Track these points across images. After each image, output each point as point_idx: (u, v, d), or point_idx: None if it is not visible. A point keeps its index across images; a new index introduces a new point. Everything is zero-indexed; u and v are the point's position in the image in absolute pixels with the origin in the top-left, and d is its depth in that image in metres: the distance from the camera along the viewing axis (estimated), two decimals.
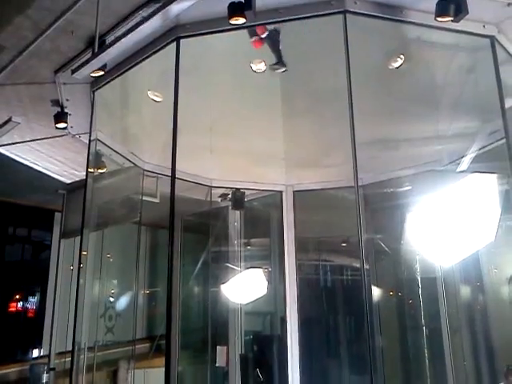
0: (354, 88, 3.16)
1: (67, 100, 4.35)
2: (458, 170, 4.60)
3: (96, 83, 4.14)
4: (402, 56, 3.71)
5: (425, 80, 4.09)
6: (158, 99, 4.29)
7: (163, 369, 3.44)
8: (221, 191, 6.35)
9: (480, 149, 4.54)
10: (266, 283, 6.14)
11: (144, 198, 5.49)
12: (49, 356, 7.29)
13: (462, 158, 4.57)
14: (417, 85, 4.13)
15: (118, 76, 3.91)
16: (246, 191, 6.30)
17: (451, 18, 2.87)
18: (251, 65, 3.82)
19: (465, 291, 6.13)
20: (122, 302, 7.02)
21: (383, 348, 6.18)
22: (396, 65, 3.76)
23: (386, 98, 4.37)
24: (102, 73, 3.77)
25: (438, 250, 3.75)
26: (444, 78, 4.04)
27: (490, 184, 3.64)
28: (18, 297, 8.65)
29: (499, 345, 5.89)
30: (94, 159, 4.59)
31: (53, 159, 5.60)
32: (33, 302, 8.84)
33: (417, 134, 4.80)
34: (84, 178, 4.44)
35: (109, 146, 4.81)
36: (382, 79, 4.12)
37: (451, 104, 4.29)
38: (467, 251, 3.74)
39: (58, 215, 7.74)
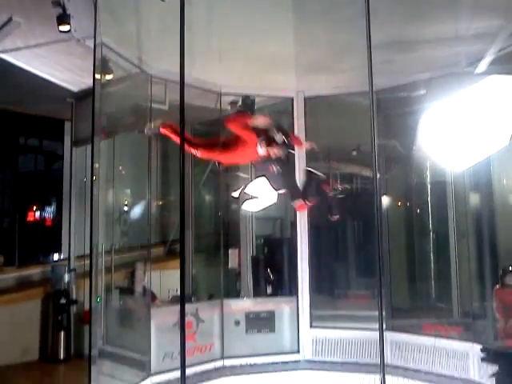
0: None
1: (68, 0, 4.17)
2: (476, 72, 4.45)
3: None
4: None
5: None
6: None
7: (178, 270, 3.61)
8: (230, 98, 6.23)
9: (500, 50, 4.35)
10: (276, 192, 6.23)
11: (153, 105, 5.41)
12: (68, 258, 7.68)
13: (481, 60, 4.40)
14: None
15: None
16: (256, 98, 6.17)
17: None
18: None
19: (474, 197, 6.18)
20: (136, 209, 7.22)
21: (390, 252, 6.36)
22: None
23: None
24: None
25: (450, 154, 3.74)
26: None
27: (508, 86, 3.54)
28: (35, 207, 8.93)
29: (503, 250, 6.06)
30: (101, 65, 4.49)
31: (59, 66, 5.49)
32: (49, 211, 9.13)
33: (435, 35, 4.59)
34: (91, 86, 4.38)
35: (114, 51, 4.67)
36: None
37: (473, 1, 4.05)
38: (481, 155, 3.73)
39: (67, 125, 7.75)
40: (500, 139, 3.59)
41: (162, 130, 4.20)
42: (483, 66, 4.39)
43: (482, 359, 3.22)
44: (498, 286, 5.53)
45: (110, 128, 4.96)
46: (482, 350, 3.22)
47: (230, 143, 4.03)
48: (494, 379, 3.69)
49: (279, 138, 3.79)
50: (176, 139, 3.99)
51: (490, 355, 3.15)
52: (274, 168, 4.01)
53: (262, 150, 3.83)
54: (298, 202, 4.27)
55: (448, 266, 6.29)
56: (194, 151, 4.14)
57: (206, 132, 6.74)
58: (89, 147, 4.58)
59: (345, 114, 6.26)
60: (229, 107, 6.34)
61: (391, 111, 6.03)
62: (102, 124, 4.53)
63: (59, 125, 8.00)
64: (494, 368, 3.22)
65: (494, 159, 5.65)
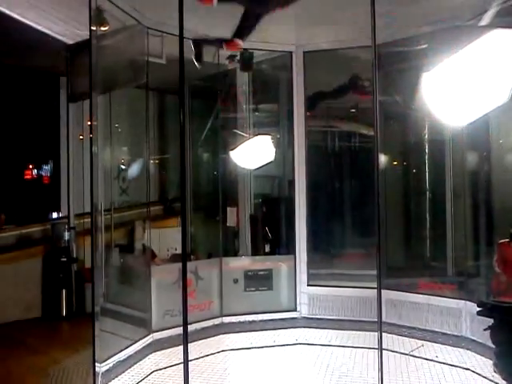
0: None
1: None
2: (479, 24, 4.34)
3: None
4: None
5: None
6: None
7: (176, 229, 3.62)
8: (228, 52, 6.11)
9: (505, 1, 4.24)
10: (273, 150, 6.22)
11: (150, 59, 5.29)
12: (68, 217, 7.69)
13: (485, 12, 4.28)
14: None
15: None
16: (254, 52, 6.04)
17: None
18: None
19: (471, 156, 6.16)
20: (134, 168, 7.19)
21: (386, 211, 6.37)
22: None
23: None
24: None
25: (450, 110, 3.68)
26: None
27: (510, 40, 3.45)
28: (31, 166, 8.88)
29: (498, 210, 6.07)
30: (96, 16, 4.38)
31: (54, 17, 5.33)
32: (46, 169, 9.09)
33: None
34: (87, 38, 4.28)
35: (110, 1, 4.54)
36: None
37: None
38: (480, 111, 3.68)
39: (63, 80, 7.58)
40: (500, 95, 3.54)
41: None
42: (487, 18, 4.27)
43: (478, 313, 3.29)
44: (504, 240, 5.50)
45: (106, 83, 4.87)
46: (478, 305, 3.29)
47: None
48: (485, 333, 3.80)
49: None
50: None
51: (486, 309, 3.22)
52: None
53: None
54: None
55: (443, 225, 6.33)
56: None
57: (205, 88, 6.64)
58: (85, 105, 4.50)
59: (344, 70, 6.16)
60: (227, 62, 6.24)
61: (391, 67, 5.93)
62: (98, 78, 4.46)
63: (54, 80, 7.82)
64: (486, 324, 3.30)
65: (492, 119, 5.60)
